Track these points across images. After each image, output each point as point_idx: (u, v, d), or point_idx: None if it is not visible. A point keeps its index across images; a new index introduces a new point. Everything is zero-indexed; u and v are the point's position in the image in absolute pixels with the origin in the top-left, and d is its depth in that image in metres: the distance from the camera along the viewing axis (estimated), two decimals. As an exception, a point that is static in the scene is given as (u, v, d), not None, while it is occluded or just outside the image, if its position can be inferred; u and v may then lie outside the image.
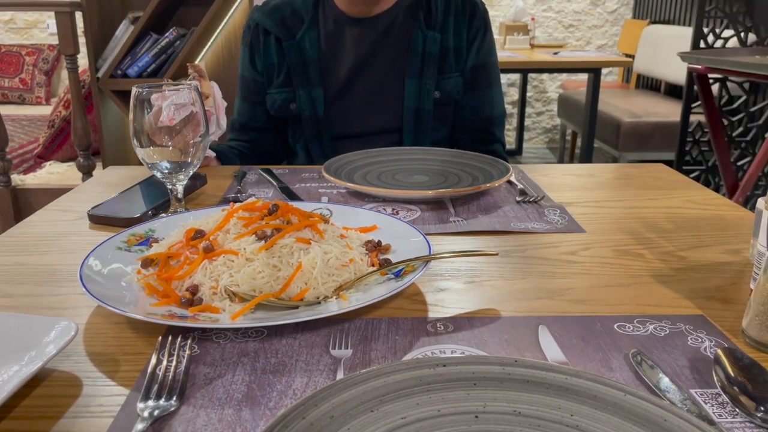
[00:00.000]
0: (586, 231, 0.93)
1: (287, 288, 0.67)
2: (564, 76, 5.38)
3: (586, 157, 3.92)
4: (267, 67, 1.44)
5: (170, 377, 0.56)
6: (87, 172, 2.84)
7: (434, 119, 1.43)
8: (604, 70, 5.37)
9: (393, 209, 1.02)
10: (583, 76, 4.76)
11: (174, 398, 0.53)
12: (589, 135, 3.90)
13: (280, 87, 1.43)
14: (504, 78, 5.35)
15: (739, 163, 3.11)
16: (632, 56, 4.75)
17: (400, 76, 1.41)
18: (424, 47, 1.39)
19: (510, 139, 5.46)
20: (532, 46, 4.64)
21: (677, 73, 4.02)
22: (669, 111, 3.93)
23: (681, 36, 4.02)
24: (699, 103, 2.92)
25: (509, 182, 1.16)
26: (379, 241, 0.81)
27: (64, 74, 4.66)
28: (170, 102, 0.90)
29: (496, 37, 4.73)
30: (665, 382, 0.55)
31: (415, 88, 1.40)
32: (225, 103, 1.22)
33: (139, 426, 0.49)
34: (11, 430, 0.51)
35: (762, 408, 0.50)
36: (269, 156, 1.53)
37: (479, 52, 1.44)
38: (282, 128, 1.51)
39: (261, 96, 1.47)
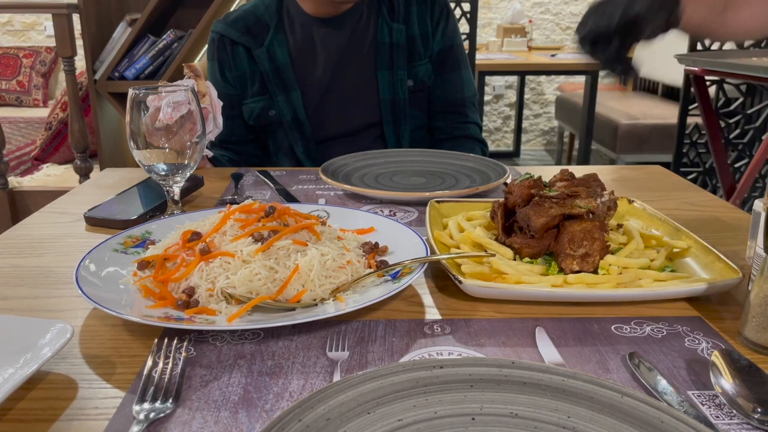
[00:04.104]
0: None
1: (284, 290, 0.67)
2: (561, 78, 5.38)
3: (584, 159, 3.93)
4: (239, 77, 1.44)
5: (166, 379, 0.56)
6: (84, 175, 2.83)
7: (411, 107, 1.46)
8: (602, 73, 5.37)
9: (390, 211, 1.02)
10: (581, 79, 4.77)
11: (170, 401, 0.53)
12: (586, 137, 3.91)
13: (256, 95, 1.43)
14: (501, 80, 5.36)
15: (737, 165, 3.11)
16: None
17: (373, 70, 1.43)
18: (390, 39, 1.42)
19: (508, 141, 5.46)
20: (530, 48, 4.65)
21: (674, 75, 4.03)
22: (666, 113, 3.94)
23: (678, 38, 4.02)
24: (696, 105, 2.93)
25: (506, 184, 1.16)
26: (377, 243, 0.81)
27: (62, 76, 4.66)
28: (168, 101, 0.90)
29: (492, 39, 4.76)
30: (662, 383, 0.55)
31: (387, 80, 1.43)
32: (221, 103, 1.22)
33: (135, 428, 0.49)
34: (6, 433, 0.51)
35: (759, 409, 0.50)
36: (252, 167, 1.52)
37: (444, 36, 1.47)
38: (262, 138, 1.51)
39: (236, 109, 1.46)
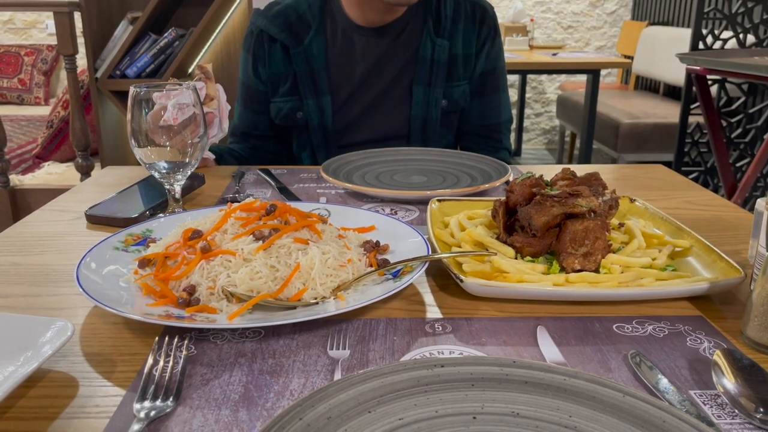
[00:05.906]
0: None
1: (285, 288, 0.67)
2: (563, 77, 5.38)
3: (585, 158, 3.92)
4: (272, 75, 1.41)
5: (167, 378, 0.55)
6: (85, 173, 2.83)
7: (441, 127, 1.42)
8: (603, 72, 5.37)
9: (391, 209, 1.02)
10: (582, 78, 4.76)
11: (170, 399, 0.53)
12: (587, 136, 3.90)
13: (286, 95, 1.41)
14: (503, 79, 5.35)
15: (738, 164, 3.11)
16: (631, 57, 4.75)
17: (408, 83, 1.39)
18: (432, 55, 1.38)
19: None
20: (531, 47, 4.65)
21: (676, 74, 4.03)
22: (668, 112, 3.93)
23: (680, 37, 4.02)
24: (698, 104, 2.92)
25: (507, 183, 1.16)
26: (378, 242, 0.81)
27: (63, 75, 4.65)
28: (175, 102, 0.90)
29: (495, 38, 4.74)
30: (664, 383, 0.54)
31: (422, 97, 1.39)
32: (229, 107, 1.21)
33: (136, 427, 0.49)
34: (7, 431, 0.50)
35: (761, 409, 0.50)
36: (269, 162, 1.51)
37: (488, 58, 1.43)
38: (284, 135, 1.50)
39: (264, 105, 1.45)
